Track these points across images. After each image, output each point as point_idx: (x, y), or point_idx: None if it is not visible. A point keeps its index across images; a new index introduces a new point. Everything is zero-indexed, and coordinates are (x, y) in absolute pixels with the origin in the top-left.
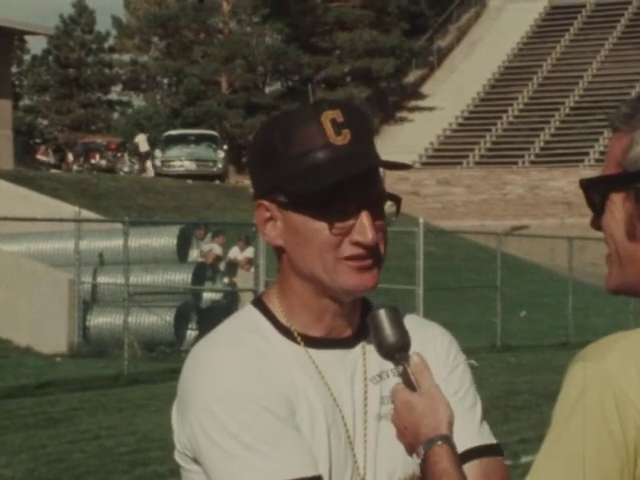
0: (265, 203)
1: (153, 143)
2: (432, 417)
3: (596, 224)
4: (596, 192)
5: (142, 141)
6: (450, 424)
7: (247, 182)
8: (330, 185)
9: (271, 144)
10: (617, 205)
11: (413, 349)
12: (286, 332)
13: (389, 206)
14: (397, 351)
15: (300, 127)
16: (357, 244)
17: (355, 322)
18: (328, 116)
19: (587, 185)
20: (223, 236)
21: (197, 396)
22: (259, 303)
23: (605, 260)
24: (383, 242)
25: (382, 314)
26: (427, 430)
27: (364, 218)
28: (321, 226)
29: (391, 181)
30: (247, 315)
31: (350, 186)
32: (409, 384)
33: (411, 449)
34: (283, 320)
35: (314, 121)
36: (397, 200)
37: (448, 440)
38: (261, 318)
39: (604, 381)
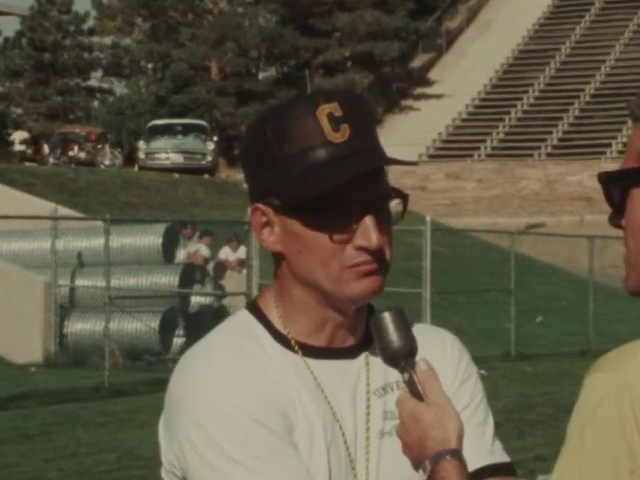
0: (261, 207)
1: (137, 134)
2: (440, 429)
3: (615, 221)
4: (616, 187)
5: (19, 137)
6: (460, 437)
7: (239, 176)
8: (332, 188)
9: (264, 142)
10: (638, 201)
11: (420, 358)
12: (283, 340)
13: (395, 204)
14: (403, 357)
15: (294, 123)
16: (361, 249)
17: (359, 330)
18: (324, 110)
19: (606, 179)
20: (211, 237)
21: (187, 410)
22: (254, 308)
23: (623, 260)
24: (389, 246)
25: (386, 317)
26: (435, 443)
27: (368, 221)
28: (322, 232)
29: (396, 175)
30: (241, 320)
31: (352, 187)
32: (416, 393)
33: (417, 464)
34: (280, 327)
35: (309, 117)
36: (404, 197)
37: (457, 454)
38: (256, 324)
39: (622, 393)
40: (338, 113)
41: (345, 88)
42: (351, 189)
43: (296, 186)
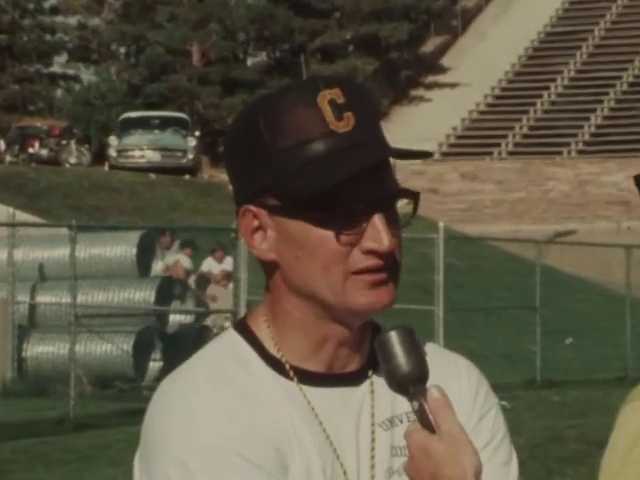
0: (252, 209)
1: (108, 128)
2: (455, 466)
3: None
4: None
5: None
6: (477, 475)
7: (224, 177)
8: (335, 183)
9: (256, 135)
10: None
11: (432, 384)
12: (275, 364)
13: (404, 204)
14: (412, 383)
15: (292, 112)
16: (370, 253)
17: (363, 352)
18: (325, 97)
19: None
20: (192, 246)
21: (166, 445)
22: (242, 327)
23: None
24: (399, 250)
25: (393, 338)
26: None
27: (377, 221)
28: (325, 234)
29: (403, 176)
30: (228, 342)
31: (357, 183)
32: (427, 424)
33: None
34: (272, 349)
35: (309, 103)
36: (414, 196)
37: None
38: (245, 346)
39: None
40: (340, 100)
41: (344, 75)
42: (356, 185)
43: (295, 182)
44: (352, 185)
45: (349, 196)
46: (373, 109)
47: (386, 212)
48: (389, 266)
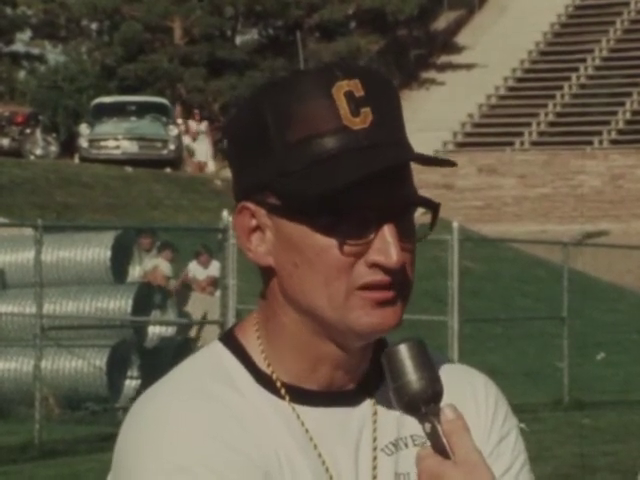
0: (250, 206)
1: (78, 115)
2: None
3: None
4: None
5: None
6: None
7: (211, 171)
8: (342, 185)
9: (260, 126)
10: None
11: (446, 404)
12: (265, 381)
13: (420, 214)
14: (424, 402)
15: (302, 102)
16: (376, 267)
17: (363, 369)
18: (342, 88)
19: None
20: (171, 250)
21: (141, 470)
22: (230, 339)
23: None
24: (411, 266)
25: (403, 351)
26: None
27: (387, 232)
28: (327, 242)
29: (413, 169)
30: (213, 355)
31: (369, 188)
32: (440, 449)
33: None
34: (262, 364)
35: (322, 94)
36: (433, 207)
37: None
38: (232, 361)
39: None
40: (359, 93)
41: (367, 65)
42: (368, 190)
43: (299, 181)
44: (363, 190)
45: (358, 202)
46: (396, 107)
47: (399, 223)
48: (397, 283)
